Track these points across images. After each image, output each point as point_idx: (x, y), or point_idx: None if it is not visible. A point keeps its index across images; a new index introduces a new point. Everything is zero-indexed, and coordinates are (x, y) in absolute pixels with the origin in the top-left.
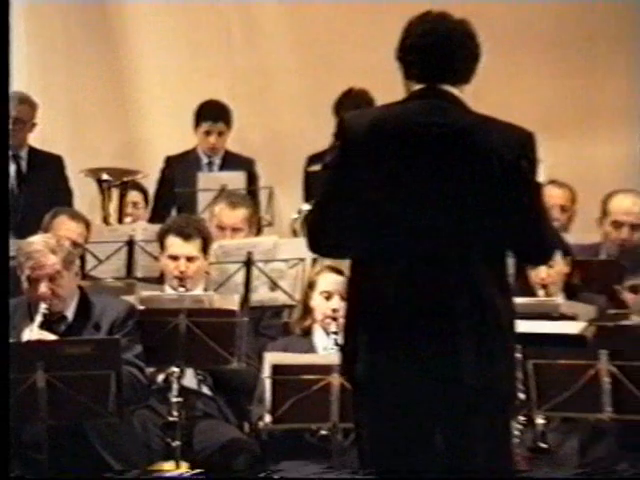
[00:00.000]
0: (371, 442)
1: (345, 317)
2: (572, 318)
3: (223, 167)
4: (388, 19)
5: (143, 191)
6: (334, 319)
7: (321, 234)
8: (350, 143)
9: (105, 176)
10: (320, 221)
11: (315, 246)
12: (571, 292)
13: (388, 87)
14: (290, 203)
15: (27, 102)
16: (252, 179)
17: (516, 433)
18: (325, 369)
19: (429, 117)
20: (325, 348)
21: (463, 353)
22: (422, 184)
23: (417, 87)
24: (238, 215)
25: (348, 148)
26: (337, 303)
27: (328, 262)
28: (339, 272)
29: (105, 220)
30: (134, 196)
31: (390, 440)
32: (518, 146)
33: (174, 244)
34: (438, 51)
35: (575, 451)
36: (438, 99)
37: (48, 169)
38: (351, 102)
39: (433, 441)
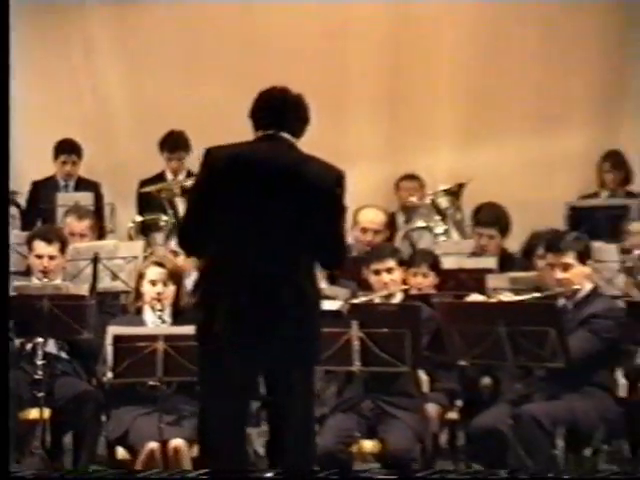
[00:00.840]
0: (209, 386)
1: (201, 298)
2: (333, 298)
3: (77, 189)
4: (203, 83)
5: (18, 206)
6: (158, 300)
7: (186, 238)
8: (211, 170)
9: None
10: (185, 229)
11: (182, 246)
12: (332, 280)
13: (203, 129)
14: (127, 215)
15: None
16: (99, 198)
17: None
18: (152, 338)
19: (271, 155)
20: (152, 322)
21: (287, 324)
22: (263, 205)
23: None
24: (84, 224)
25: (210, 174)
26: (160, 288)
27: (154, 258)
28: (162, 265)
29: None
30: (11, 210)
31: (222, 385)
32: (334, 179)
33: (39, 246)
34: (279, 110)
35: (333, 394)
36: (278, 142)
37: None
38: (171, 140)
39: (256, 387)
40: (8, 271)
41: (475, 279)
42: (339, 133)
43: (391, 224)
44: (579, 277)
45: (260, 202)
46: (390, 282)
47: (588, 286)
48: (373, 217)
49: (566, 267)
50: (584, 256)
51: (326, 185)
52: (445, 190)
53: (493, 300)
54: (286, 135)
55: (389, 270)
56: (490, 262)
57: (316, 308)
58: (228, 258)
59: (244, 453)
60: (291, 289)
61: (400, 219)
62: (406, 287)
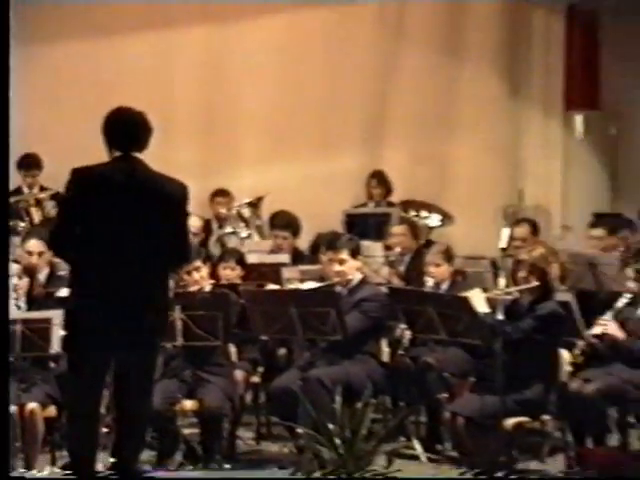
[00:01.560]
0: (73, 363)
1: (71, 294)
2: None
3: None
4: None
5: None
6: (15, 290)
7: (55, 243)
8: (77, 186)
9: None
10: (55, 236)
11: (53, 249)
12: None
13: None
14: None
15: None
16: None
17: None
18: (12, 322)
19: (128, 173)
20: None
21: (146, 311)
22: (122, 217)
23: (117, 154)
24: None
25: (75, 190)
26: (16, 281)
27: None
28: (17, 262)
29: None
30: None
31: (83, 363)
32: (182, 191)
33: None
34: (128, 130)
35: (161, 364)
36: (132, 162)
37: None
38: (26, 161)
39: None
40: (8, 273)
41: (273, 271)
42: (165, 151)
43: (206, 229)
44: (352, 269)
45: (119, 214)
46: (200, 279)
47: (359, 276)
48: (193, 223)
49: (342, 262)
50: (355, 252)
51: (176, 197)
52: (247, 202)
53: (287, 288)
54: (137, 154)
55: (197, 269)
56: (284, 258)
57: (161, 304)
58: (91, 262)
59: (97, 415)
60: (142, 289)
61: (214, 225)
62: (214, 282)
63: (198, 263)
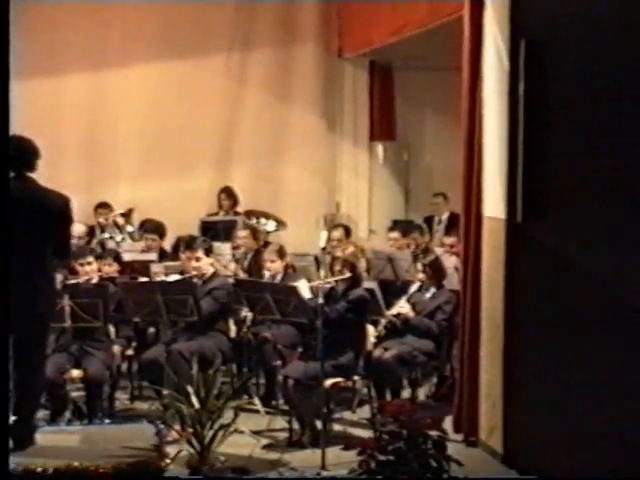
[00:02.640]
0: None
1: None
2: None
3: None
4: None
5: None
6: None
7: None
8: None
9: None
10: None
11: None
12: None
13: None
14: None
15: None
16: None
17: None
18: None
19: (20, 189)
20: None
21: (37, 299)
22: (19, 222)
23: (13, 174)
24: None
25: None
26: None
27: None
28: None
29: None
30: None
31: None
32: (66, 203)
33: None
34: (22, 155)
35: (52, 341)
36: (27, 181)
37: None
38: None
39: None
40: (8, 271)
41: (143, 267)
42: (55, 171)
43: (90, 234)
44: (206, 265)
45: (15, 222)
46: (90, 271)
47: (211, 270)
48: (78, 228)
49: (198, 259)
50: (208, 252)
51: (59, 207)
52: (121, 213)
53: (154, 280)
54: (29, 174)
55: (89, 263)
56: (153, 256)
57: (48, 293)
58: (13, 262)
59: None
60: (32, 281)
61: (97, 231)
62: (100, 273)
63: (90, 258)
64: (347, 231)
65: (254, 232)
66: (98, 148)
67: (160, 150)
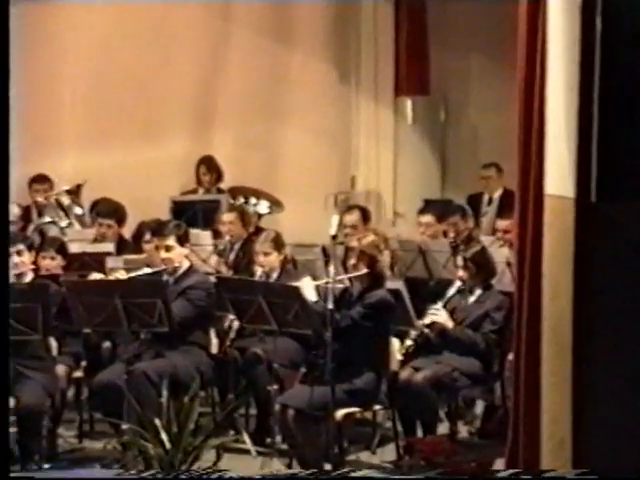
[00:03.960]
0: None
1: None
2: None
3: None
4: None
5: None
6: None
7: None
8: None
9: None
10: None
11: None
12: None
13: None
14: None
15: None
16: None
17: None
18: None
19: None
20: None
21: None
22: None
23: None
24: None
25: None
26: None
27: None
28: None
29: None
30: None
31: None
32: None
33: None
34: None
35: None
36: None
37: None
38: None
39: None
40: (8, 270)
41: (96, 261)
42: None
43: (25, 217)
44: (179, 256)
45: None
46: (20, 264)
47: (186, 264)
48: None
49: (168, 248)
50: (183, 240)
51: None
52: (66, 190)
53: (111, 278)
54: None
55: (19, 252)
56: (108, 247)
57: None
58: None
59: None
60: None
61: (34, 214)
62: (34, 267)
63: (20, 246)
64: (364, 214)
65: (242, 215)
66: (34, 104)
67: (118, 107)
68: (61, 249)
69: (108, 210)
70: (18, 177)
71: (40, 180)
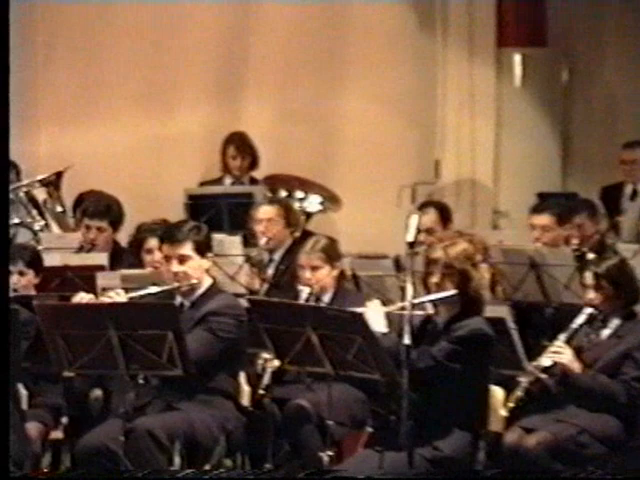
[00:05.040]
0: None
1: None
2: None
3: None
4: None
5: None
6: None
7: None
8: None
9: None
10: None
11: None
12: None
13: None
14: None
15: None
16: None
17: None
18: None
19: None
20: None
21: None
22: None
23: None
24: None
25: None
26: None
27: None
28: None
29: None
30: None
31: None
32: None
33: None
34: None
35: None
36: None
37: None
38: None
39: None
40: (8, 269)
41: (83, 277)
42: None
43: None
44: (197, 271)
45: None
46: None
47: (207, 281)
48: None
49: (183, 259)
50: (203, 248)
51: None
52: (41, 180)
53: (103, 300)
54: None
55: None
56: (100, 258)
57: None
58: None
59: None
60: None
61: None
62: None
63: None
64: (443, 213)
65: (286, 212)
66: None
67: (113, 67)
68: (33, 261)
69: (98, 207)
70: None
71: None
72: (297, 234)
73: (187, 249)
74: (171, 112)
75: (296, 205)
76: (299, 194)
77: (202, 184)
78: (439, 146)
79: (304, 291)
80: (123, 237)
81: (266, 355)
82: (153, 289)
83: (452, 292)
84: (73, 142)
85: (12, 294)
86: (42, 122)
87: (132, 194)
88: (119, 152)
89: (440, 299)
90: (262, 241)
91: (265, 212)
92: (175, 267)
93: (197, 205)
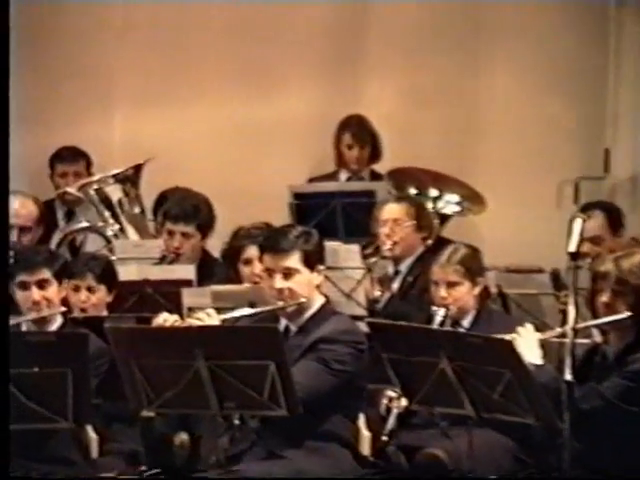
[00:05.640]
0: None
1: None
2: None
3: None
4: None
5: None
6: None
7: None
8: None
9: None
10: None
11: None
12: None
13: None
14: None
15: None
16: None
17: None
18: None
19: None
20: None
21: None
22: None
23: None
24: None
25: None
26: None
27: None
28: None
29: None
30: None
31: None
32: None
33: None
34: None
35: None
36: None
37: None
38: None
39: None
40: (8, 270)
41: (166, 294)
42: None
43: (44, 221)
44: (306, 287)
45: None
46: (42, 299)
47: (318, 300)
48: (19, 208)
49: (288, 273)
50: (313, 259)
51: None
52: (116, 175)
53: (191, 323)
54: None
55: (42, 284)
56: (186, 271)
57: None
58: None
59: None
60: None
61: (59, 214)
62: (64, 309)
63: (45, 273)
64: (612, 218)
65: (416, 213)
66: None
67: (199, 41)
68: (105, 274)
69: (184, 209)
70: (31, 149)
71: (69, 157)
72: (430, 241)
73: (294, 261)
74: (272, 92)
75: (429, 205)
76: (432, 192)
77: (311, 180)
78: (609, 132)
79: (438, 313)
80: (214, 245)
81: (391, 393)
82: (251, 310)
83: (625, 315)
84: (154, 129)
85: (79, 314)
86: (116, 101)
87: (225, 192)
88: (209, 141)
89: (610, 323)
90: (386, 246)
91: (391, 211)
92: (279, 283)
93: (305, 206)
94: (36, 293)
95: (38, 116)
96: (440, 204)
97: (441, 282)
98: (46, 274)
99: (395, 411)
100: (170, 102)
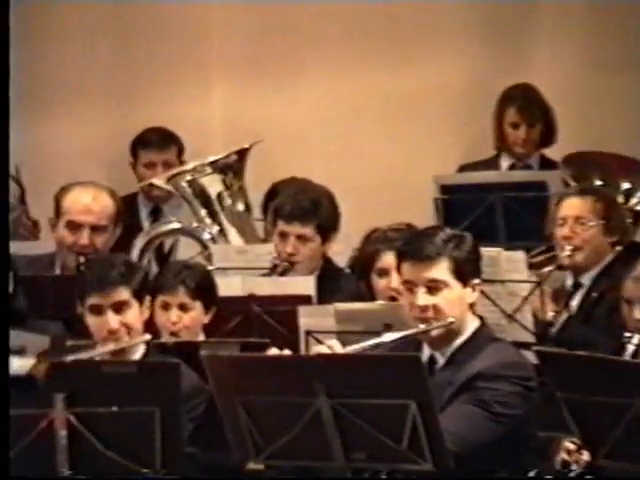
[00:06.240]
0: None
1: None
2: (18, 352)
3: None
4: None
5: None
6: None
7: None
8: None
9: None
10: None
11: None
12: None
13: None
14: None
15: None
16: None
17: None
18: None
19: None
20: None
21: None
22: None
23: None
24: None
25: None
26: None
27: None
28: None
29: None
30: None
31: None
32: None
33: None
34: None
35: None
36: None
37: None
38: None
39: None
40: (8, 269)
41: (277, 314)
42: None
43: (121, 218)
44: (456, 306)
45: None
46: (120, 327)
47: (472, 323)
48: (91, 202)
49: (434, 288)
50: (464, 269)
51: None
52: (214, 162)
53: (310, 353)
54: None
55: (118, 307)
56: (304, 283)
57: None
58: None
59: None
60: None
61: (143, 212)
62: (148, 338)
63: (122, 293)
64: None
65: (605, 212)
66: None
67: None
68: (202, 288)
69: (301, 205)
70: (108, 135)
71: (156, 142)
72: (621, 247)
73: (441, 271)
74: (413, 57)
75: (619, 201)
76: (623, 185)
77: (462, 168)
78: None
79: (633, 339)
80: (339, 251)
81: (569, 444)
82: (388, 336)
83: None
84: (260, 107)
85: (169, 339)
86: (216, 79)
87: (351, 185)
88: (329, 122)
89: None
90: (564, 253)
91: (572, 207)
92: (422, 298)
93: (455, 202)
94: (113, 319)
95: (116, 91)
96: (634, 199)
97: (637, 301)
98: (124, 294)
99: (575, 467)
100: (280, 73)
